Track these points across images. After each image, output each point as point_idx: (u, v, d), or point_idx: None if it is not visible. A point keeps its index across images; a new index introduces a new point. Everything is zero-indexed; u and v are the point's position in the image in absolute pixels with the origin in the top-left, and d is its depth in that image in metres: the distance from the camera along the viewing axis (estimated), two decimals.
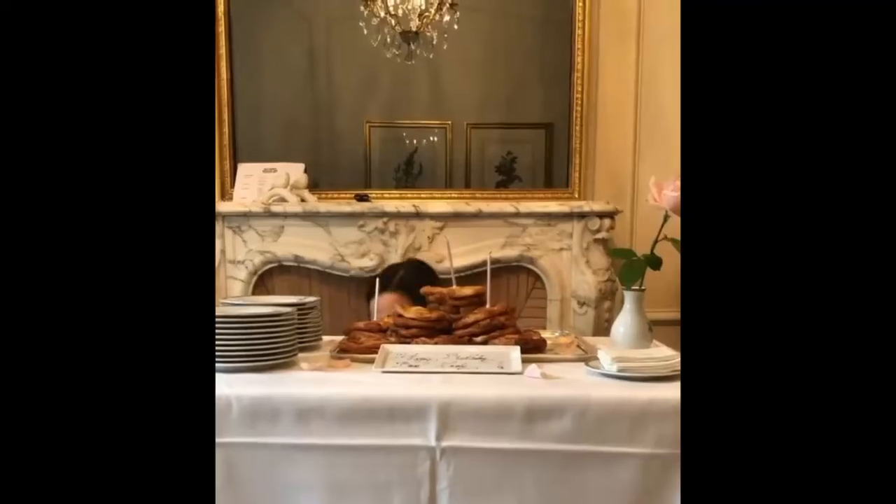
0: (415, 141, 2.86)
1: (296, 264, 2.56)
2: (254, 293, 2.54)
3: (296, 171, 2.62)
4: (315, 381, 1.21)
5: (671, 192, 1.29)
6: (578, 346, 1.49)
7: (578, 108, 2.70)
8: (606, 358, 1.23)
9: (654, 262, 1.36)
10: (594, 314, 2.52)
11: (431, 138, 2.88)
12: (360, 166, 2.83)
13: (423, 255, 2.50)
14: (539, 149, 2.87)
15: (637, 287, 1.37)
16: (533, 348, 1.40)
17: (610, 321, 1.51)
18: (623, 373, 1.20)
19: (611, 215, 2.62)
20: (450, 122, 2.82)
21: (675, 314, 2.82)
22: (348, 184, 2.76)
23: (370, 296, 1.74)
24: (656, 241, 1.34)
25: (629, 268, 1.36)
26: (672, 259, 1.38)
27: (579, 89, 2.67)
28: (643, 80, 2.73)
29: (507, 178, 2.83)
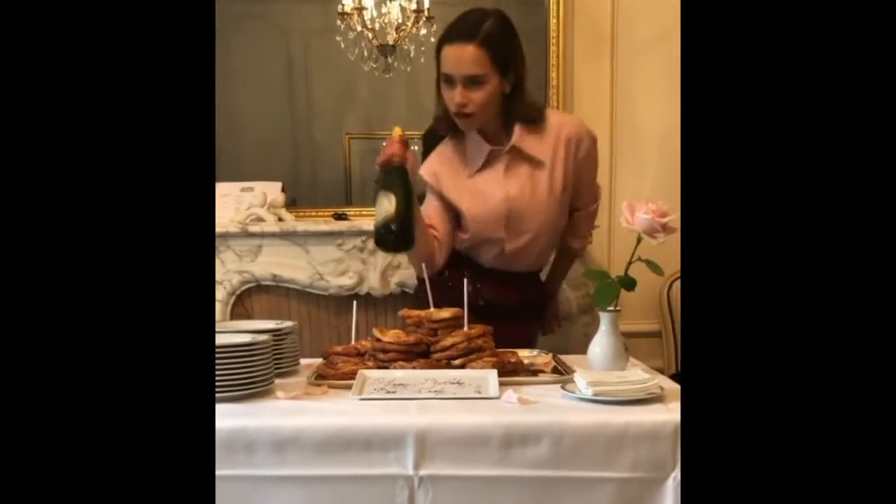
0: None
1: (274, 284, 2.54)
2: (232, 313, 2.52)
3: (273, 190, 2.61)
4: (291, 410, 1.21)
5: (643, 215, 1.30)
6: (556, 367, 1.49)
7: None
8: (582, 381, 1.24)
9: (629, 284, 1.36)
10: (572, 329, 2.53)
11: (413, 148, 2.87)
12: (341, 182, 2.82)
13: (402, 273, 2.49)
14: None
15: (612, 308, 1.37)
16: (510, 371, 1.41)
17: (588, 335, 1.52)
18: (599, 397, 1.21)
19: None
20: None
21: (651, 326, 2.84)
22: (329, 200, 2.75)
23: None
24: (630, 263, 1.35)
25: (603, 289, 1.37)
26: (646, 275, 1.39)
27: (555, 104, 2.68)
28: (618, 95, 2.74)
29: None
